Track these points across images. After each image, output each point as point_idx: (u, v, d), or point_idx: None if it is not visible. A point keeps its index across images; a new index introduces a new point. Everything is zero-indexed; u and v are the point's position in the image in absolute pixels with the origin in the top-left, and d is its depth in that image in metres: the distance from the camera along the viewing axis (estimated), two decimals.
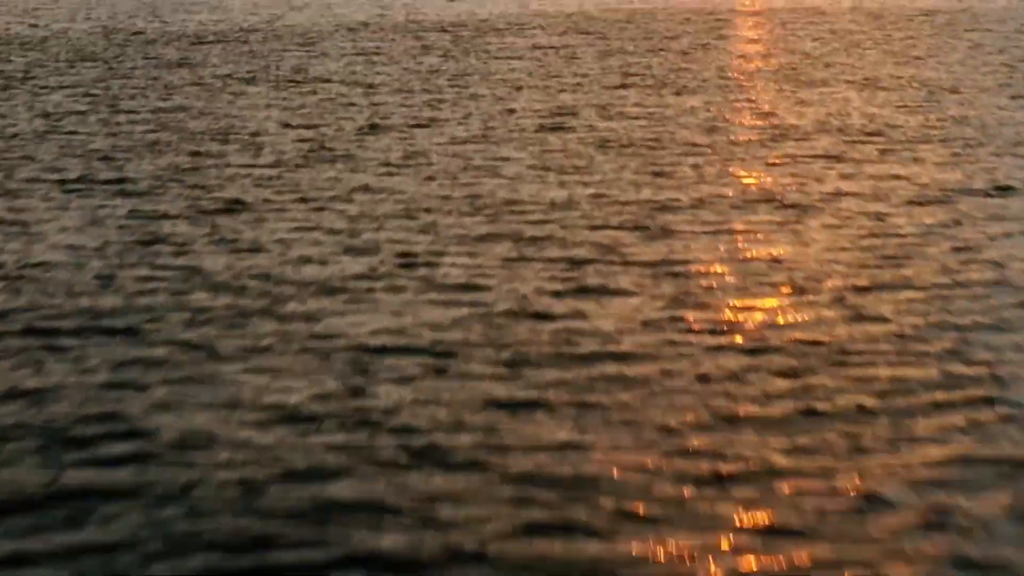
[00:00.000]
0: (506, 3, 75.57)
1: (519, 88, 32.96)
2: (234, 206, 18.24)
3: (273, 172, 20.94)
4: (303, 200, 18.68)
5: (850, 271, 14.71)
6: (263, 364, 10.65)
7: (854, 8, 73.51)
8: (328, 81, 34.24)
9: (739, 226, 17.24)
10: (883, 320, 12.61)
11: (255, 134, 24.67)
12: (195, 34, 49.72)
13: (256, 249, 15.50)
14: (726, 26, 57.13)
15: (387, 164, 21.94)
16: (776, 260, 15.22)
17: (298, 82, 34.09)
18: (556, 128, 25.94)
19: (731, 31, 54.15)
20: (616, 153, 23.17)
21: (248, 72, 36.45)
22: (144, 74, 35.84)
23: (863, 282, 14.21)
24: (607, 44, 46.12)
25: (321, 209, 17.98)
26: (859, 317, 12.72)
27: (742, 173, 21.32)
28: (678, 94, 31.89)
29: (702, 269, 14.93)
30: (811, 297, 13.58)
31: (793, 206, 18.51)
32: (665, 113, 28.38)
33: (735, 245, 16.03)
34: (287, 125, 26.30)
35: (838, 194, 19.46)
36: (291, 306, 12.67)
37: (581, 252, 15.27)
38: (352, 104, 29.80)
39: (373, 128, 26.05)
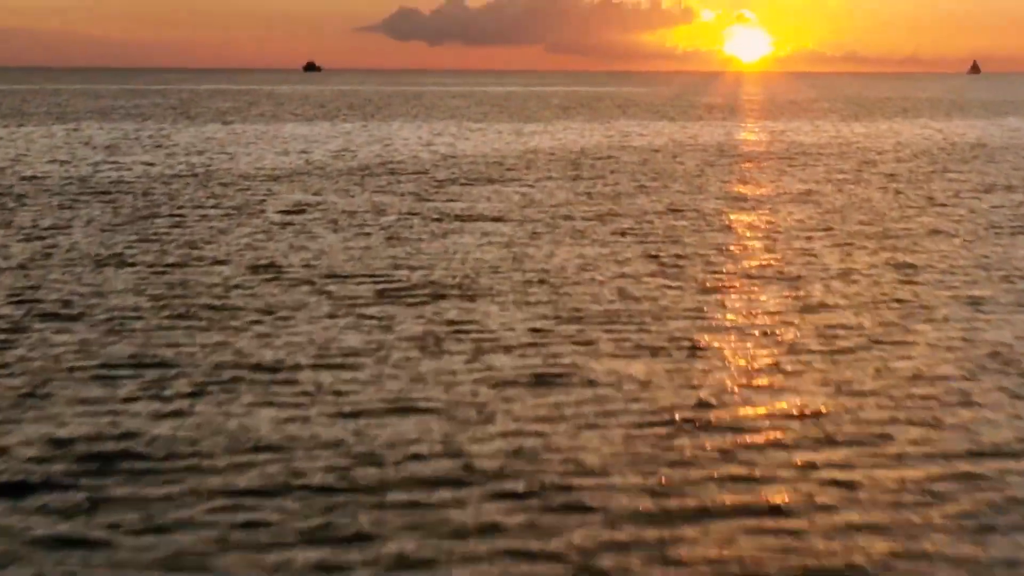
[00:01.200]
0: (500, 141, 66.10)
1: (494, 294, 22.80)
2: None
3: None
4: None
5: None
6: None
7: (898, 143, 63.32)
8: (222, 262, 23.99)
9: None
10: None
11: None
12: (91, 182, 39.42)
13: None
14: (761, 170, 47.13)
15: (251, 493, 11.66)
16: None
17: (185, 271, 23.91)
18: (545, 379, 15.61)
19: (768, 177, 44.12)
20: (640, 446, 12.87)
21: (124, 243, 26.28)
22: None
23: None
24: (615, 204, 35.94)
25: None
26: None
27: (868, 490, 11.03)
28: (716, 292, 21.70)
29: None
30: None
31: None
32: (706, 338, 18.09)
33: None
34: (120, 361, 16.04)
35: None
36: None
37: None
38: (240, 328, 19.58)
39: (261, 373, 15.78)
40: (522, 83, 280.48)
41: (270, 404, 14.29)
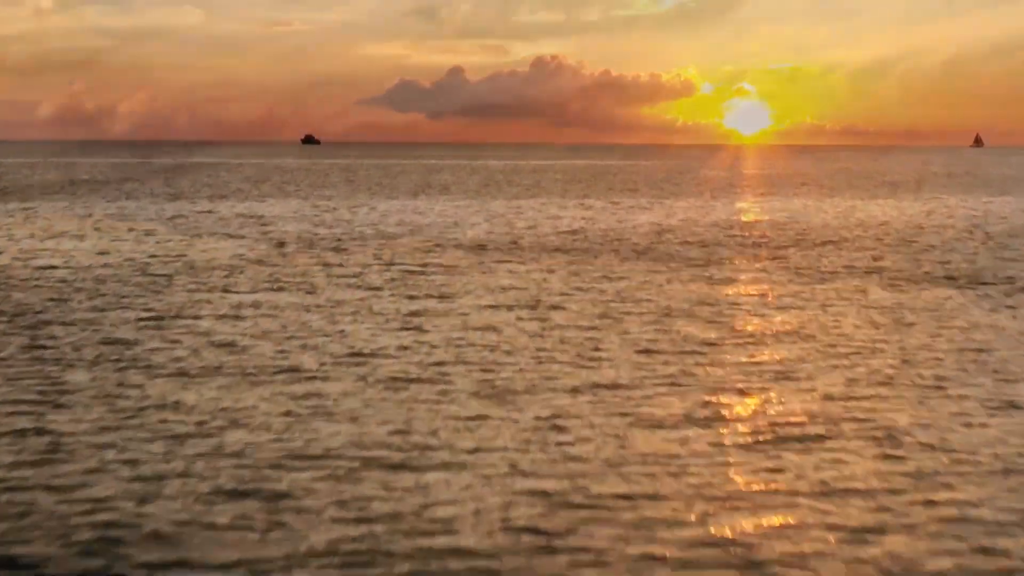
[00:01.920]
0: (492, 219, 60.08)
1: (460, 461, 16.63)
2: None
3: None
4: None
5: None
6: None
7: (933, 223, 55.84)
8: (94, 400, 17.65)
9: None
10: None
11: None
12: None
13: None
14: (789, 257, 40.79)
15: None
16: None
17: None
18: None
19: (801, 266, 37.78)
20: None
21: None
22: None
23: None
24: (622, 303, 29.58)
25: None
26: None
27: None
28: (777, 448, 15.50)
29: None
30: None
31: None
32: (782, 546, 11.86)
33: None
34: None
35: None
36: None
37: None
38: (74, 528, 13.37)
39: None
40: (522, 156, 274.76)
41: None
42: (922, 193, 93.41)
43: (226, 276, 33.64)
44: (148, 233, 48.79)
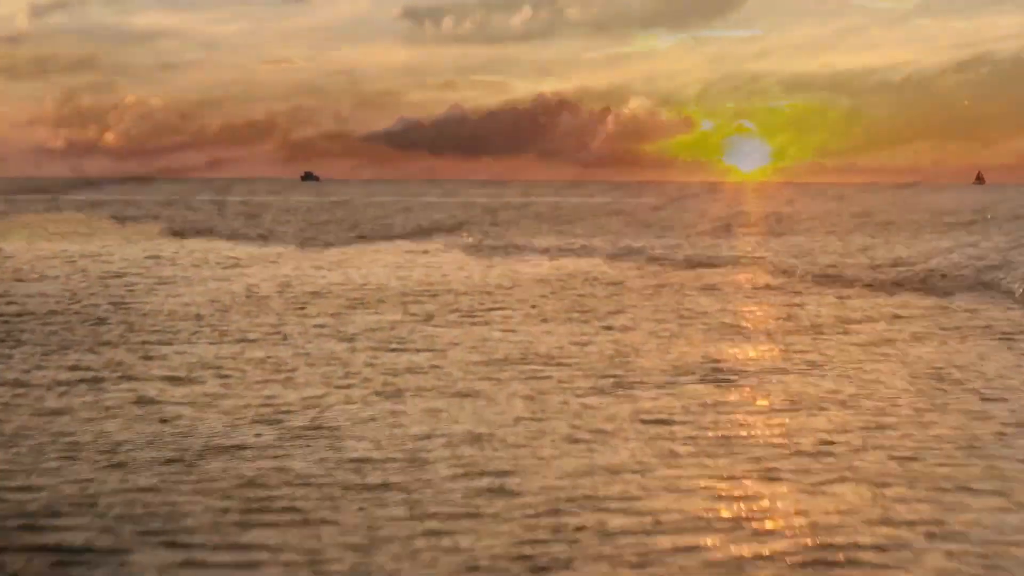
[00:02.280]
0: (484, 264, 56.85)
1: None
2: None
3: None
4: None
5: None
6: None
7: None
8: None
9: None
10: None
11: None
12: None
13: None
14: (807, 304, 37.52)
15: None
16: None
17: None
18: None
19: (832, 319, 34.52)
20: None
21: None
22: None
23: None
24: (626, 364, 26.21)
25: None
26: None
27: None
28: None
29: None
30: None
31: None
32: None
33: None
34: None
35: None
36: None
37: None
38: None
39: None
40: (522, 193, 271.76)
41: None
42: (935, 231, 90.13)
43: (190, 324, 30.38)
44: (118, 275, 45.49)
